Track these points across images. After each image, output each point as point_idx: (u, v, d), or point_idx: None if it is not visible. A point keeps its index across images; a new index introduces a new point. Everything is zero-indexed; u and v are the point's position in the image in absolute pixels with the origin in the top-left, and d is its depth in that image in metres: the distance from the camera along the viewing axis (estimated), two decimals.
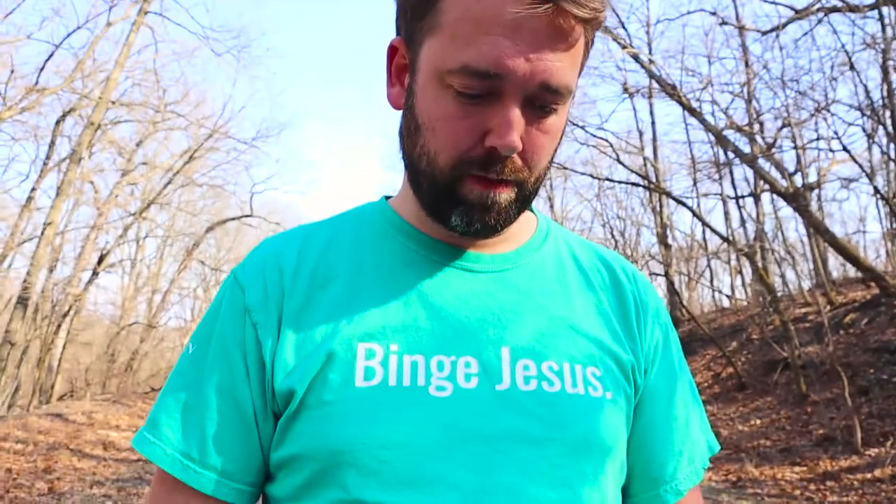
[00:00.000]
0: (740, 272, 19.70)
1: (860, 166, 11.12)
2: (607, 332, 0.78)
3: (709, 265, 21.98)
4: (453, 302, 0.74)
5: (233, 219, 28.23)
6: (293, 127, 39.83)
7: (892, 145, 11.22)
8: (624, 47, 11.76)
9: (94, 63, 15.43)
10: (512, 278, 0.78)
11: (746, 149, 13.35)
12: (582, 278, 0.82)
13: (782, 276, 16.97)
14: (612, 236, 21.22)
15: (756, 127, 14.45)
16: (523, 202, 0.73)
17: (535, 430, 0.69)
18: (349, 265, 0.77)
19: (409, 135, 0.73)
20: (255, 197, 28.67)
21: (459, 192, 0.70)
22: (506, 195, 0.70)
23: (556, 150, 0.74)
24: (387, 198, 0.86)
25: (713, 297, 21.16)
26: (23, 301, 14.42)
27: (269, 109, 51.86)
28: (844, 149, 10.27)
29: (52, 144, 16.59)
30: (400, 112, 0.75)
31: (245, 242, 37.14)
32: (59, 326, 17.47)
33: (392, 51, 0.75)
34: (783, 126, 13.80)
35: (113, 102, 16.01)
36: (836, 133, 12.37)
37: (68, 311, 17.78)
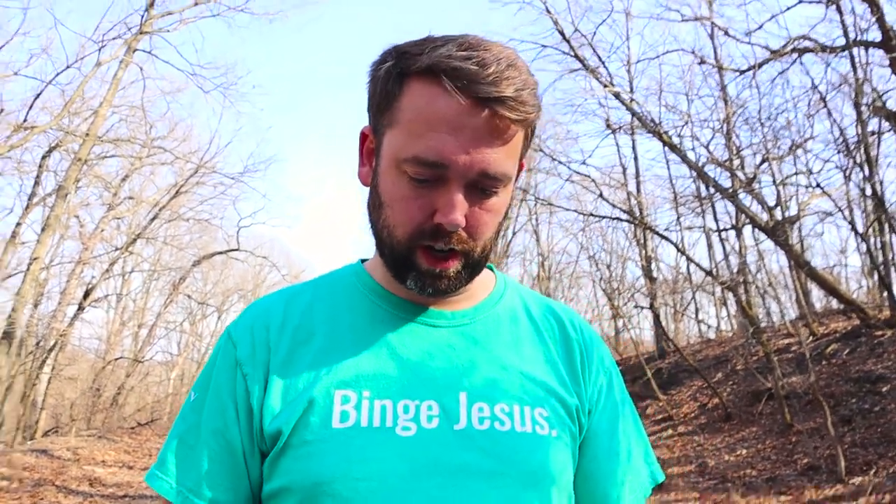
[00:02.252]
0: (724, 304, 19.93)
1: (834, 203, 11.38)
2: (554, 377, 0.90)
3: (694, 297, 22.21)
4: (418, 353, 0.86)
5: (219, 252, 28.19)
6: (280, 161, 40.06)
7: (866, 182, 11.52)
8: (605, 86, 12.07)
9: (82, 100, 15.55)
10: (470, 331, 0.90)
11: (728, 183, 13.65)
12: (533, 330, 0.95)
13: (766, 307, 17.19)
14: (598, 269, 21.42)
15: (736, 162, 14.79)
16: (472, 269, 0.86)
17: (488, 465, 0.80)
18: (327, 323, 0.89)
19: (374, 209, 0.87)
20: (241, 231, 28.67)
21: (414, 261, 0.83)
22: (454, 267, 0.84)
23: (501, 224, 0.87)
24: (363, 261, 0.99)
25: (698, 328, 21.33)
26: (7, 336, 14.32)
27: (256, 144, 52.13)
28: (818, 185, 10.55)
29: (37, 179, 16.64)
30: (368, 189, 0.89)
31: (232, 276, 36.92)
32: (43, 361, 17.31)
33: (363, 137, 0.89)
34: (762, 161, 14.13)
35: (100, 138, 16.12)
36: (810, 169, 12.71)
37: (53, 345, 17.64)
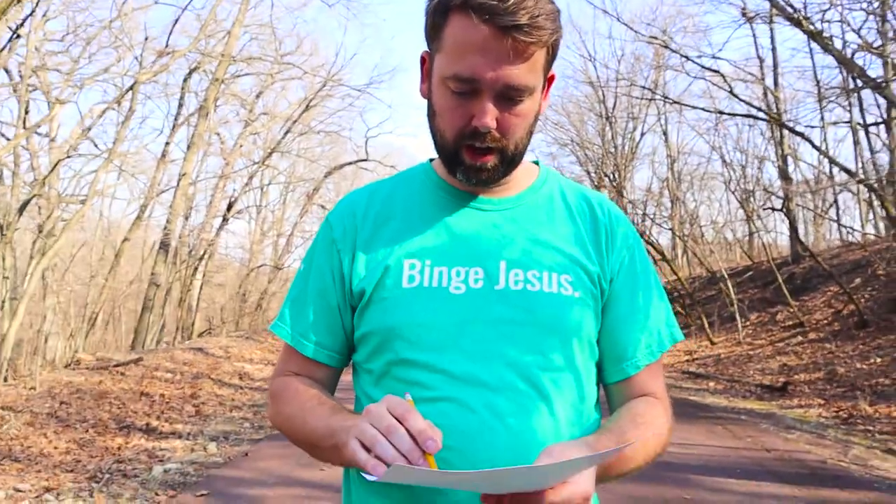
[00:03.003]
0: (871, 205, 18.59)
1: None
2: (580, 250, 1.11)
3: (835, 199, 20.84)
4: (469, 231, 1.10)
5: (349, 163, 29.20)
6: (405, 71, 40.19)
7: None
8: None
9: (215, 22, 16.28)
10: (511, 214, 1.12)
11: (879, 72, 12.48)
12: (566, 212, 1.15)
13: None
14: (731, 170, 20.43)
15: (891, 47, 13.44)
16: (508, 163, 1.06)
17: (520, 316, 1.04)
18: (402, 209, 1.14)
19: (431, 117, 1.07)
20: (369, 141, 29.53)
21: (460, 157, 1.05)
22: (491, 161, 1.04)
23: (533, 125, 1.07)
24: (431, 160, 1.21)
25: (840, 232, 20.09)
26: (164, 246, 15.82)
27: (380, 55, 52.41)
28: None
29: (181, 101, 17.81)
30: (426, 101, 1.09)
31: (361, 185, 38.17)
32: (195, 269, 18.99)
33: (422, 59, 1.09)
34: None
35: (234, 58, 16.90)
36: None
37: (203, 254, 19.27)
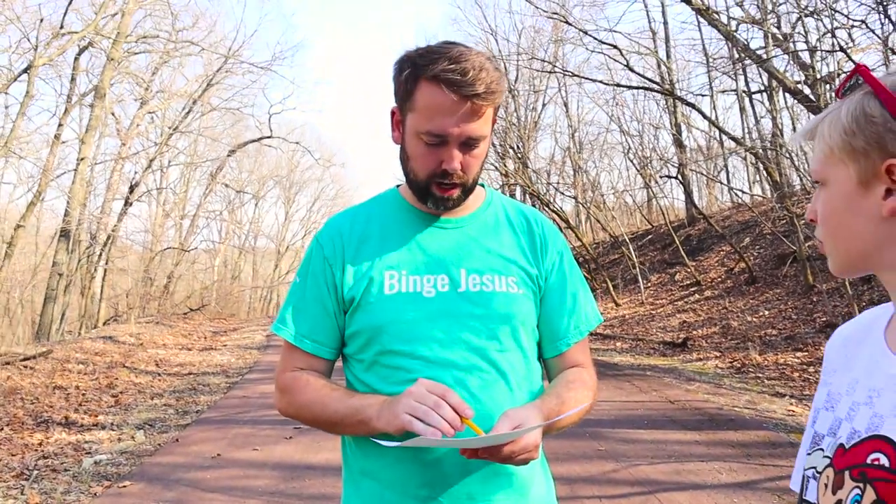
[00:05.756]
0: (757, 169, 19.81)
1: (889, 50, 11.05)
2: (522, 256, 1.42)
3: (725, 164, 22.07)
4: (435, 246, 1.39)
5: (253, 140, 28.56)
6: (307, 48, 39.37)
7: None
8: None
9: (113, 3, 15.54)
10: (467, 231, 1.42)
11: (762, 44, 13.27)
12: (509, 226, 1.46)
13: (798, 171, 17.11)
14: (628, 139, 21.28)
15: (772, 20, 14.32)
16: (467, 192, 1.37)
17: (478, 311, 1.34)
18: (379, 229, 1.41)
19: (404, 161, 1.37)
20: (273, 118, 28.96)
21: (430, 191, 1.35)
22: (456, 193, 1.35)
23: (483, 160, 1.38)
24: (398, 186, 1.49)
25: (730, 195, 21.35)
26: (65, 234, 15.16)
27: (282, 32, 50.99)
28: (845, 50, 10.22)
29: (73, 79, 16.96)
30: (398, 146, 1.39)
31: (266, 163, 37.27)
32: (98, 255, 18.30)
33: (392, 113, 1.38)
34: (798, 18, 13.67)
35: (129, 36, 16.21)
36: (852, 23, 12.26)
37: (106, 240, 18.56)
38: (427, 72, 1.25)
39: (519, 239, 1.43)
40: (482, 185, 1.49)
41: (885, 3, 10.48)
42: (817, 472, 0.85)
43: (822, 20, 13.91)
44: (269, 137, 26.86)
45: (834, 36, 13.41)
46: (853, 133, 0.79)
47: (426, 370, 1.28)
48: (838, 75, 13.24)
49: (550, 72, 19.72)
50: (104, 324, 19.34)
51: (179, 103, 22.20)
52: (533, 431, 1.20)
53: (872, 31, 11.98)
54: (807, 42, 13.69)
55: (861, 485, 0.75)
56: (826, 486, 0.82)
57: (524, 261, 1.40)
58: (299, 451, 5.51)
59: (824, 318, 9.76)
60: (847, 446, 0.80)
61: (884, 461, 0.74)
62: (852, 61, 11.48)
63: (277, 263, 38.97)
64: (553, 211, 19.88)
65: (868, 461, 0.76)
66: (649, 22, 21.24)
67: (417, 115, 1.28)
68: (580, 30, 14.74)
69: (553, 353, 1.44)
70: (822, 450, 0.85)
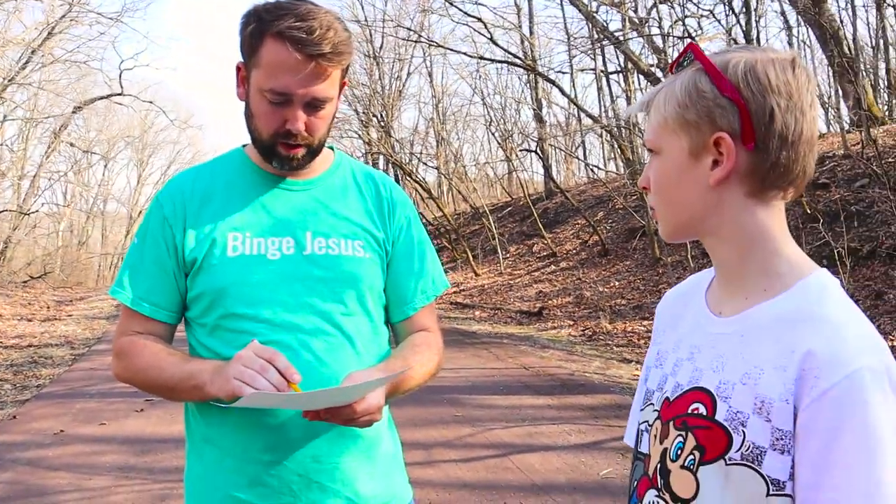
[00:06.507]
0: (612, 146, 20.72)
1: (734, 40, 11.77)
2: (369, 220, 1.39)
3: (583, 140, 22.95)
4: (280, 208, 1.34)
5: (101, 98, 26.48)
6: (162, 1, 36.78)
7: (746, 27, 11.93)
8: None
9: None
10: (314, 193, 1.37)
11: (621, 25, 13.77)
12: (357, 190, 1.42)
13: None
14: (491, 112, 21.58)
15: (631, 4, 14.90)
16: (312, 153, 1.32)
17: (323, 274, 1.31)
18: (222, 189, 1.35)
19: (248, 118, 1.31)
20: (124, 74, 26.82)
21: (276, 150, 1.29)
22: (300, 152, 1.29)
23: (331, 122, 1.33)
24: (244, 146, 1.42)
25: (587, 171, 22.23)
26: None
27: None
28: (695, 33, 10.81)
29: None
30: (244, 103, 1.32)
31: (117, 122, 34.83)
32: None
33: (238, 68, 1.32)
34: (654, 4, 14.31)
35: None
36: (701, 13, 13.00)
37: None
38: (272, 27, 1.21)
39: (366, 202, 1.41)
40: (331, 148, 1.45)
41: None
42: (649, 425, 0.92)
43: (674, 8, 14.68)
44: (119, 94, 24.85)
45: (684, 24, 14.19)
46: (686, 106, 0.84)
47: (270, 333, 1.25)
48: None
49: (416, 41, 19.61)
50: None
51: (16, 52, 20.04)
52: (375, 393, 1.19)
53: (718, 21, 12.77)
54: (660, 28, 14.40)
55: (683, 433, 0.83)
56: (655, 436, 0.89)
57: (371, 225, 1.38)
58: (151, 424, 5.22)
59: (669, 289, 10.35)
60: (672, 399, 0.88)
61: (702, 410, 0.81)
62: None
63: (129, 229, 36.51)
64: (415, 181, 19.88)
65: (689, 411, 0.83)
66: None
67: (261, 73, 1.24)
68: (446, 0, 14.65)
69: (400, 317, 1.44)
70: (652, 404, 0.93)
